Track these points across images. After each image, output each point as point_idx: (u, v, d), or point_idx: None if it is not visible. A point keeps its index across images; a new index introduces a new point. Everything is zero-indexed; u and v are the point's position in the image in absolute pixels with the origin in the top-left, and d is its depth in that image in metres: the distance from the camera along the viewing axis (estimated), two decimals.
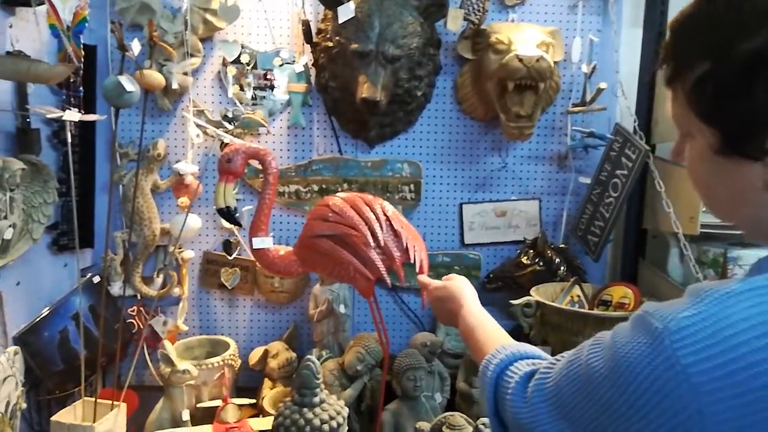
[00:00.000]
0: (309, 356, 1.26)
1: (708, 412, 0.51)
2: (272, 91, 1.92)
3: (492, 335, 0.90)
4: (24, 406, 1.42)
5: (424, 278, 1.23)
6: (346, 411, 1.27)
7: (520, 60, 1.63)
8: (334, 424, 1.21)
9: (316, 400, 1.23)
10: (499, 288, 1.92)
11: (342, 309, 1.83)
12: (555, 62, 1.80)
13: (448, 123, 1.95)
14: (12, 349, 1.50)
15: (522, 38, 1.70)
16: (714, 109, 0.59)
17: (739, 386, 0.50)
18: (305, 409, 1.22)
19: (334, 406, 1.25)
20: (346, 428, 1.27)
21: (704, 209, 1.55)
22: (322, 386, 1.26)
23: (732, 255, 1.55)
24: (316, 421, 1.20)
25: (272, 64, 1.90)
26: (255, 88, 1.92)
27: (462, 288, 1.09)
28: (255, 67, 1.91)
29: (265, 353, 1.88)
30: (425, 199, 1.96)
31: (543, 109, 1.84)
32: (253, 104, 1.93)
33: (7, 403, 1.35)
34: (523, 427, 0.67)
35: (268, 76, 1.92)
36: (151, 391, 1.79)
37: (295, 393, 1.25)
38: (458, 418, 1.32)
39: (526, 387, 0.69)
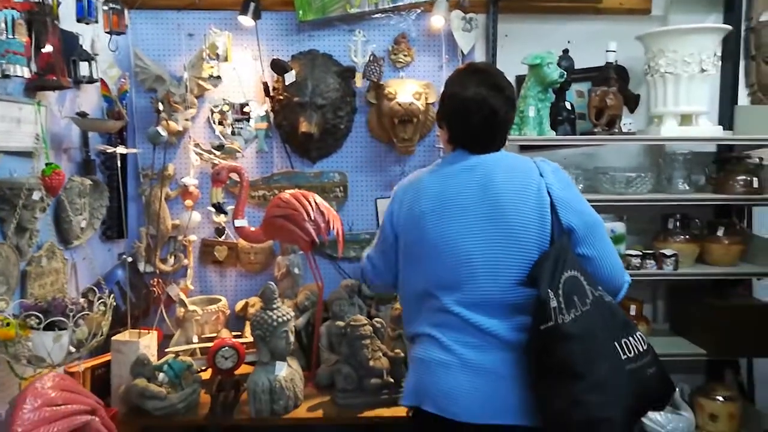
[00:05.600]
0: (270, 282, 2.19)
1: None
2: (247, 123, 2.86)
3: None
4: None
5: None
6: (291, 313, 2.19)
7: (399, 105, 2.59)
8: (282, 319, 2.12)
9: (274, 306, 2.15)
10: None
11: (296, 271, 2.74)
12: (430, 103, 2.75)
13: (363, 145, 2.89)
14: (83, 299, 2.39)
15: (403, 90, 2.65)
16: None
17: None
18: (267, 311, 2.14)
19: (283, 310, 2.16)
20: (292, 323, 2.19)
21: None
22: (279, 300, 2.18)
23: None
24: (273, 317, 2.12)
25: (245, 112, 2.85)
26: (235, 121, 2.85)
27: None
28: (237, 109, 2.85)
29: (246, 304, 2.78)
30: (351, 196, 2.90)
31: (421, 135, 2.80)
32: (232, 134, 2.86)
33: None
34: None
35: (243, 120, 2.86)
36: (169, 337, 2.68)
37: (263, 304, 2.17)
38: (360, 318, 2.23)
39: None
